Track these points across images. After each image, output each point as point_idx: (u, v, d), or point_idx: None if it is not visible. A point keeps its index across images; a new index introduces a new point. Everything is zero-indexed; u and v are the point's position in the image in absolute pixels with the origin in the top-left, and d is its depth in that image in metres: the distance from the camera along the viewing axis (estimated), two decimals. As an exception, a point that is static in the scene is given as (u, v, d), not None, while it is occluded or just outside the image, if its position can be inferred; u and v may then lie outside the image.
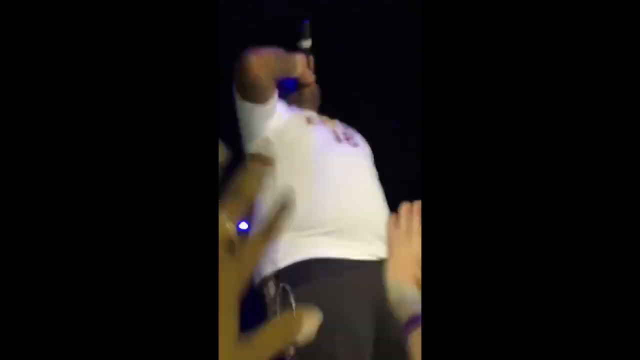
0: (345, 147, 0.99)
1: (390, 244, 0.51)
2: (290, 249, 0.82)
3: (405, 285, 0.48)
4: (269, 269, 0.84)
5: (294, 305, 0.81)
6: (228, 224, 0.19)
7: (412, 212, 0.50)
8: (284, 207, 0.19)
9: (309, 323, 0.18)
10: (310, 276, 0.82)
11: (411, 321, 0.46)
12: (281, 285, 0.83)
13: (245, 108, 0.94)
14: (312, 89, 1.05)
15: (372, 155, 1.05)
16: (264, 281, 0.86)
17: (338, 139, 0.98)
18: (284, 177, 0.81)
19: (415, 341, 0.45)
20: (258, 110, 0.92)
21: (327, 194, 0.89)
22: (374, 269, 0.73)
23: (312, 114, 1.02)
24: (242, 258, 0.19)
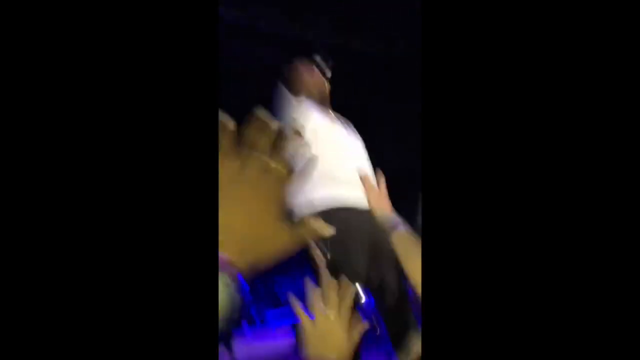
0: (351, 136, 1.47)
1: (367, 192, 0.91)
2: (319, 200, 1.26)
3: (382, 210, 0.86)
4: (309, 209, 1.25)
5: (328, 243, 1.18)
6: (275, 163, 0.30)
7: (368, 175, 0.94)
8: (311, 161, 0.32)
9: (327, 230, 0.33)
10: (335, 218, 1.22)
11: (393, 227, 0.80)
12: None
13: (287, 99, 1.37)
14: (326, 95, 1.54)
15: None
16: (304, 218, 1.17)
17: (348, 130, 1.48)
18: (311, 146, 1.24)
19: (397, 240, 0.78)
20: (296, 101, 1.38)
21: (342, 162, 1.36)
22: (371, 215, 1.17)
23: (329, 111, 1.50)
24: (280, 175, 0.30)
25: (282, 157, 0.31)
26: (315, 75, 1.47)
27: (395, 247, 0.76)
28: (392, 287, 1.34)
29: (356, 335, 0.58)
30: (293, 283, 7.93)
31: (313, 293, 0.60)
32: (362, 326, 0.60)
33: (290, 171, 0.31)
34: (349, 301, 0.59)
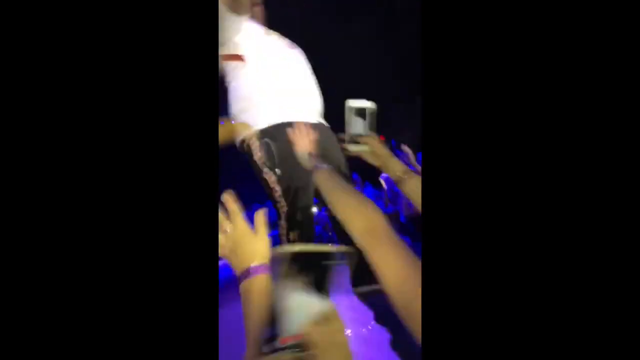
0: (292, 51, 1.46)
1: (295, 135, 1.07)
2: (266, 116, 1.28)
3: (306, 151, 1.02)
4: (252, 128, 1.29)
5: (275, 153, 1.24)
6: None
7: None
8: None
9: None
10: (282, 134, 1.23)
11: (315, 166, 0.89)
12: (262, 139, 1.27)
13: (227, 18, 1.29)
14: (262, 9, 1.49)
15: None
16: (248, 137, 1.29)
17: (288, 45, 1.47)
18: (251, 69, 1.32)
19: (319, 176, 0.84)
20: (236, 20, 1.31)
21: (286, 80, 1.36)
22: (319, 126, 1.34)
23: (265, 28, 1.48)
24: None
25: None
26: None
27: (318, 183, 0.82)
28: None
29: (263, 235, 0.60)
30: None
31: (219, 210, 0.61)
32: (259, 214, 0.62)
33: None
34: (261, 220, 0.61)
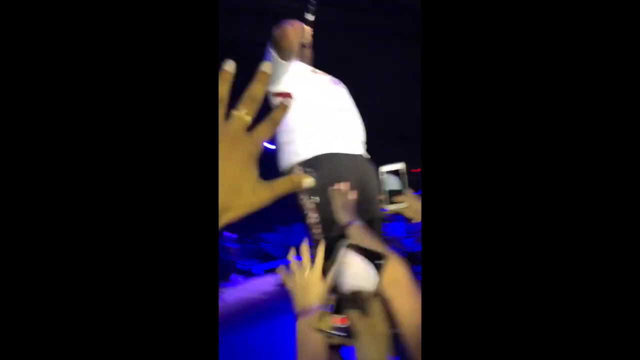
0: (336, 87, 1.56)
1: (335, 200, 1.08)
2: (309, 147, 1.37)
3: (344, 216, 1.01)
4: (294, 159, 1.39)
5: (316, 190, 1.28)
6: (244, 114, 0.30)
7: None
8: (283, 108, 0.32)
9: (307, 181, 0.33)
10: (323, 165, 1.32)
11: (349, 224, 0.97)
12: (306, 169, 1.35)
13: (277, 63, 1.38)
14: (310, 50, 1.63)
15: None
16: (292, 167, 1.39)
17: (332, 82, 1.57)
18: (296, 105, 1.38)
19: (353, 231, 0.94)
20: (285, 65, 1.40)
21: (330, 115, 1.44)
22: (358, 158, 1.47)
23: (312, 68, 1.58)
24: (257, 135, 0.30)
25: (246, 106, 0.30)
26: (299, 30, 1.50)
27: (351, 237, 0.92)
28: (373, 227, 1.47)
29: (329, 282, 0.70)
30: (280, 241, 8.18)
31: (290, 252, 0.74)
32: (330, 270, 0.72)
33: (252, 117, 0.30)
34: (320, 254, 0.72)
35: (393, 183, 0.98)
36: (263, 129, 0.31)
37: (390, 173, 0.98)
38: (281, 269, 0.73)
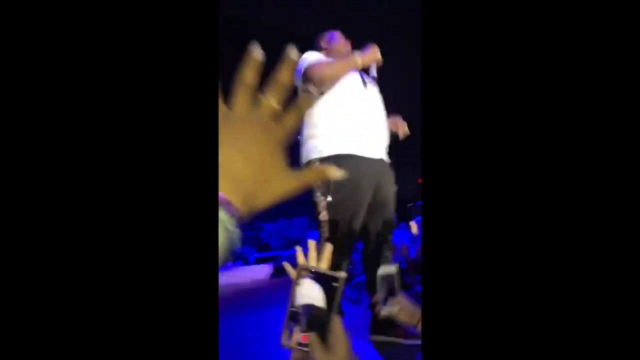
0: (368, 86, 1.55)
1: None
2: (331, 145, 1.39)
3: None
4: (315, 154, 1.41)
5: (332, 181, 1.28)
6: (272, 101, 0.29)
7: None
8: (309, 97, 0.31)
9: (336, 173, 0.31)
10: (342, 165, 1.29)
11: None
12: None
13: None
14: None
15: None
16: (312, 161, 1.43)
17: (365, 80, 1.56)
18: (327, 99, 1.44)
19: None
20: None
21: (356, 117, 1.46)
22: (379, 162, 1.49)
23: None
24: (285, 124, 0.30)
25: (274, 93, 0.29)
26: (342, 41, 1.62)
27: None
28: (380, 235, 1.52)
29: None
30: (279, 232, 8.22)
31: (298, 253, 0.72)
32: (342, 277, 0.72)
33: (282, 105, 0.29)
34: (327, 256, 0.71)
35: (387, 286, 0.97)
36: (290, 117, 0.30)
37: (385, 277, 0.96)
38: (287, 266, 0.72)
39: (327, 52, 1.58)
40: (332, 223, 1.38)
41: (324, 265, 0.70)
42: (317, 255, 0.71)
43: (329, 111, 1.42)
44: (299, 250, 0.73)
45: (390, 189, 1.54)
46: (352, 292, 2.91)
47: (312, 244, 0.73)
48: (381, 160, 1.52)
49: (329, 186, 1.37)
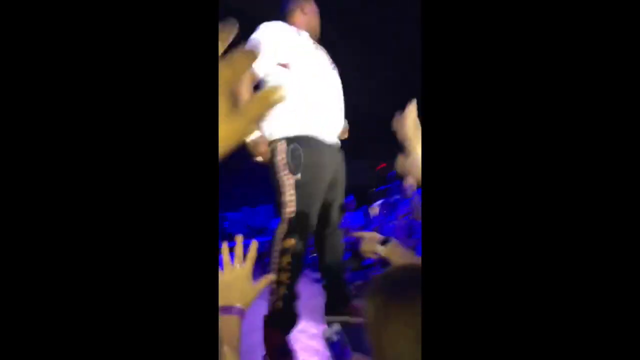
0: (331, 70, 1.60)
1: (363, 239, 0.98)
2: (293, 126, 1.41)
3: (372, 250, 0.93)
4: (280, 134, 1.42)
5: (302, 157, 1.38)
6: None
7: None
8: (275, 90, 0.28)
9: (281, 93, 0.28)
10: (304, 145, 1.41)
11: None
12: (292, 145, 1.41)
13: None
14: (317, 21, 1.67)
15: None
16: (276, 140, 1.44)
17: (329, 65, 1.61)
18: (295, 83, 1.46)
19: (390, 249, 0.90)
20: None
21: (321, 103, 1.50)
22: (335, 146, 1.57)
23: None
24: (246, 113, 0.28)
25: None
26: (309, 12, 1.62)
27: (389, 255, 0.89)
28: (333, 217, 1.61)
29: (260, 285, 0.69)
30: (242, 221, 8.10)
31: (223, 246, 0.71)
32: (267, 278, 0.71)
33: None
34: (253, 254, 0.70)
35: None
36: (254, 108, 0.28)
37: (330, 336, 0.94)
38: (224, 248, 0.69)
39: (296, 15, 1.60)
40: (297, 201, 1.38)
41: (249, 263, 0.70)
42: (243, 254, 0.70)
43: (293, 92, 1.42)
44: (225, 249, 0.71)
45: (342, 173, 1.62)
46: (314, 273, 2.92)
47: (239, 240, 0.71)
48: (337, 143, 1.59)
49: (298, 164, 1.38)
